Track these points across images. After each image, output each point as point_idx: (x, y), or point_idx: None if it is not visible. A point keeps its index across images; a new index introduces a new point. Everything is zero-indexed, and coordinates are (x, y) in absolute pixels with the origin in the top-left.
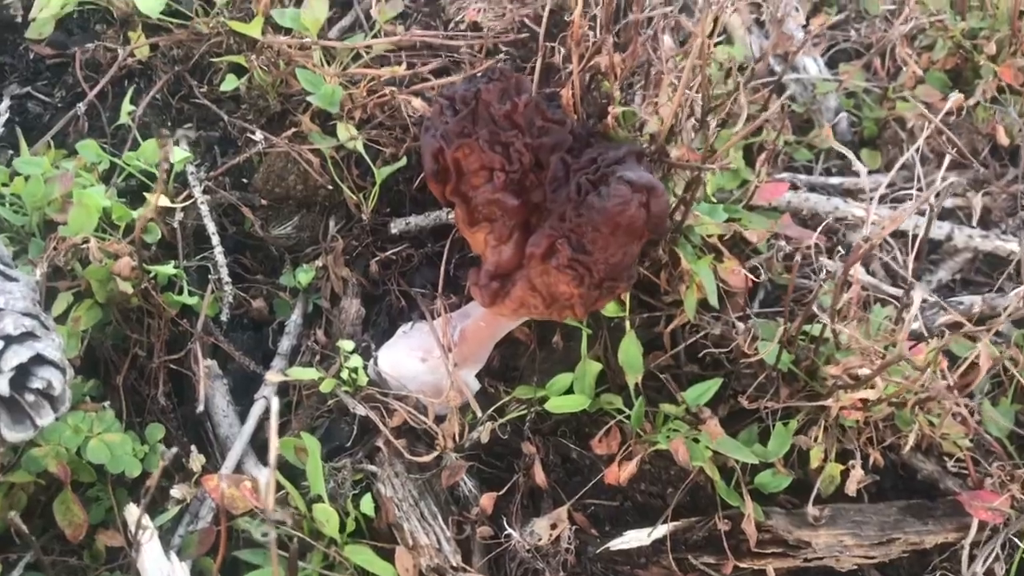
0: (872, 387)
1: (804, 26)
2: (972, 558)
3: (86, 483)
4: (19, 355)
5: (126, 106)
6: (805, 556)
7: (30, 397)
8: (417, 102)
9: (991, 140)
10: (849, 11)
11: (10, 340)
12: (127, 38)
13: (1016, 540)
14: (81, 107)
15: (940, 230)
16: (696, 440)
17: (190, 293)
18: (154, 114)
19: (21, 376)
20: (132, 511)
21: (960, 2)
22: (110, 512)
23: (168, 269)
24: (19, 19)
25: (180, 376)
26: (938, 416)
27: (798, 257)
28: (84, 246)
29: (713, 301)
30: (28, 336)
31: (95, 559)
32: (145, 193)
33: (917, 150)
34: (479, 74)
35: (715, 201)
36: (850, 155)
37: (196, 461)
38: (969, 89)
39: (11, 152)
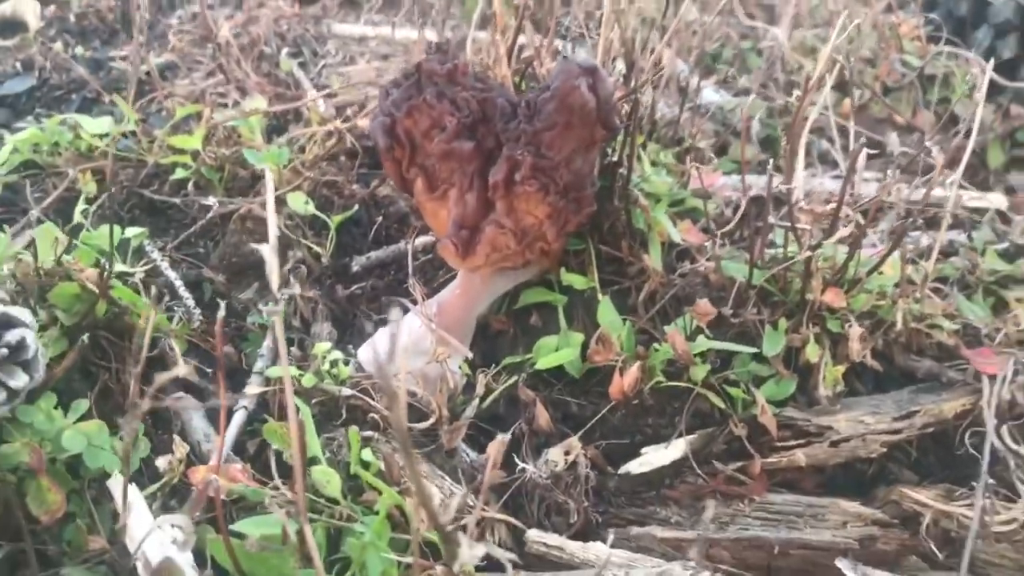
0: (836, 233)
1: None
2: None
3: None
4: None
5: (79, 207)
6: (830, 439)
7: (2, 351)
8: (361, 121)
9: (896, 125)
10: (735, 71)
11: None
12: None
13: None
14: (34, 214)
15: (869, 187)
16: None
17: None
18: (106, 222)
19: None
20: (117, 479)
21: (829, 23)
22: (85, 511)
23: (130, 292)
24: None
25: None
26: (918, 304)
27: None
28: (51, 267)
29: (676, 238)
30: None
31: (75, 549)
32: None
33: (831, 141)
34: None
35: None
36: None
37: (180, 448)
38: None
39: None
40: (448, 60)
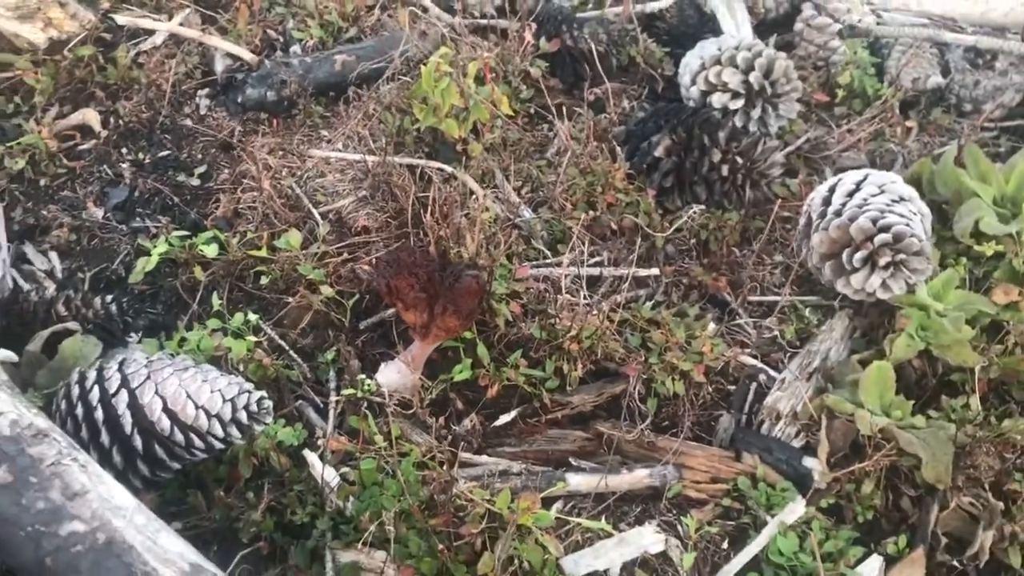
0: (574, 330)
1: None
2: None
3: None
4: (255, 396)
5: (215, 300)
6: (571, 407)
7: (263, 412)
8: (365, 266)
9: (611, 229)
10: (535, 182)
11: (250, 391)
12: (192, 271)
13: (648, 379)
14: (194, 306)
15: (597, 271)
16: (520, 372)
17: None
18: (228, 304)
19: (257, 404)
20: (308, 454)
21: (583, 170)
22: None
23: (278, 362)
24: (123, 273)
25: None
26: (606, 343)
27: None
28: (245, 357)
29: (509, 319)
30: (251, 390)
31: (294, 477)
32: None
33: (580, 240)
34: (394, 249)
35: (498, 278)
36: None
37: (320, 432)
38: (595, 209)
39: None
40: (411, 251)
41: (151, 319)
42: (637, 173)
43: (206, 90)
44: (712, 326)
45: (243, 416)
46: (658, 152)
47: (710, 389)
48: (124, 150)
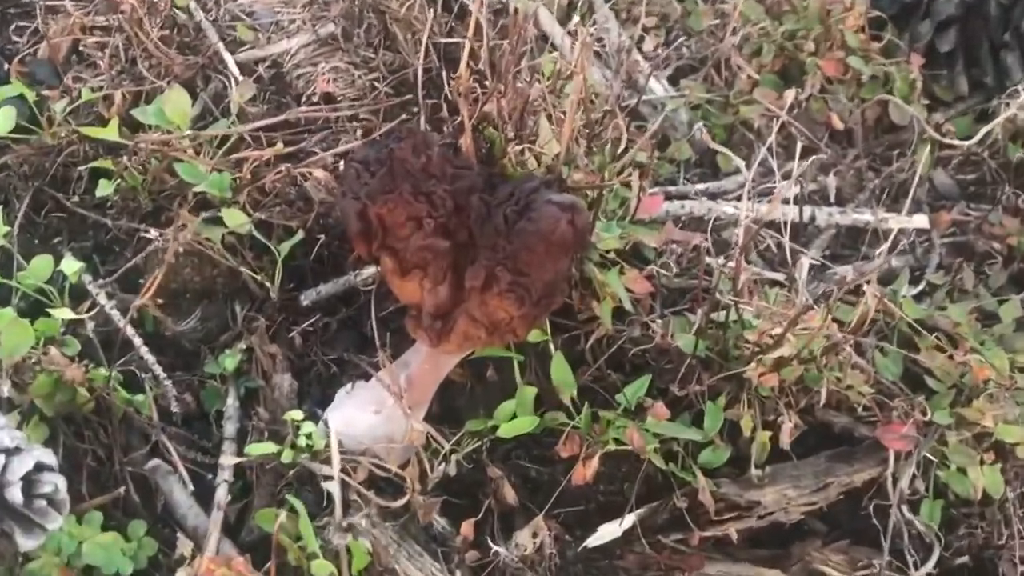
0: (784, 344)
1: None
2: (895, 483)
3: None
4: (25, 464)
5: (1, 228)
6: (758, 514)
7: (40, 503)
8: (319, 172)
9: (827, 127)
10: (676, 31)
11: (10, 452)
12: None
13: (930, 456)
14: None
15: (803, 213)
16: (645, 429)
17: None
18: (22, 233)
19: (27, 485)
20: None
21: (775, 8)
22: None
23: (103, 372)
24: None
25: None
26: (841, 372)
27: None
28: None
29: (628, 306)
30: (24, 447)
31: None
32: (48, 309)
33: (770, 148)
34: (384, 136)
35: (603, 219)
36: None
37: (184, 547)
38: (798, 85)
39: None
40: (420, 145)
41: None
42: (887, 20)
43: None
44: None
45: None
46: None
47: None
48: None
